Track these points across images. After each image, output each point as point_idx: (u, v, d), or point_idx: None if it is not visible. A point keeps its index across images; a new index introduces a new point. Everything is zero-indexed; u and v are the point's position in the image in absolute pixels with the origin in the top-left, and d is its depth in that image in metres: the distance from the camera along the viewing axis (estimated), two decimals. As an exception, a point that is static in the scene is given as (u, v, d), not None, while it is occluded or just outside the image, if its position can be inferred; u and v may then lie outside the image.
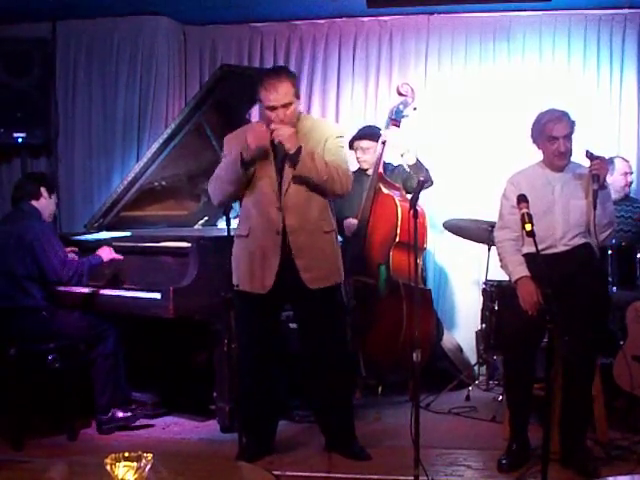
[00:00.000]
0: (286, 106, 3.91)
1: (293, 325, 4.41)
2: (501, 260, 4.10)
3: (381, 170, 5.13)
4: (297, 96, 4.00)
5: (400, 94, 5.12)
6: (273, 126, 3.87)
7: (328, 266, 4.04)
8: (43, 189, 4.64)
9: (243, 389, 4.02)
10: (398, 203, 5.01)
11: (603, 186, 3.92)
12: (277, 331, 4.15)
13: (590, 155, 3.95)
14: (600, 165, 3.90)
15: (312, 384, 4.23)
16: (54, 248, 4.51)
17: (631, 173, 5.37)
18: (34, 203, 4.62)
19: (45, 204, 4.65)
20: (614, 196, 5.03)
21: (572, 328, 3.83)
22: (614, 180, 5.21)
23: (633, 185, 5.49)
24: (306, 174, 3.90)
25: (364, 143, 5.23)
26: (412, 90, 5.12)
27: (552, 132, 4.00)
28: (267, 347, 4.07)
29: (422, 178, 3.71)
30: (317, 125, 4.14)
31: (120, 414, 4.56)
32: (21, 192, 4.66)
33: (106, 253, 4.63)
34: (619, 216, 5.08)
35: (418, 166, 5.12)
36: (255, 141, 3.90)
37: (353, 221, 5.09)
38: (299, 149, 3.87)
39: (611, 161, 5.29)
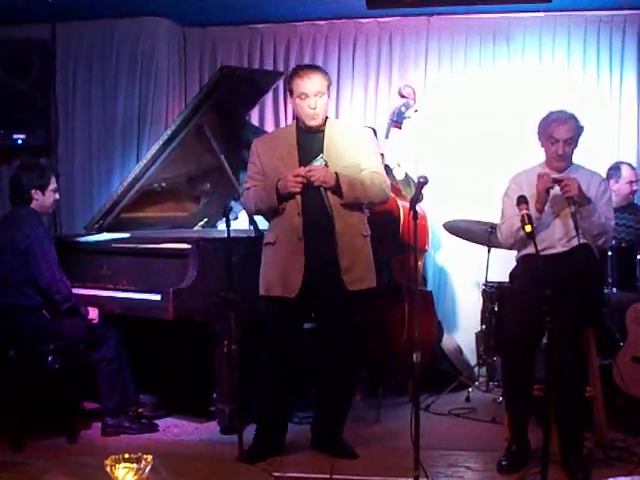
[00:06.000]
0: (318, 95, 3.94)
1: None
2: (509, 234, 4.08)
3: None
4: (328, 93, 4.03)
5: (402, 96, 5.13)
6: (307, 173, 3.88)
7: (365, 268, 4.07)
8: (34, 191, 4.55)
9: (265, 392, 4.10)
10: (400, 204, 5.00)
11: (587, 199, 3.91)
12: (300, 335, 4.17)
13: (553, 180, 3.92)
14: (569, 185, 3.87)
15: (322, 383, 4.24)
16: (48, 261, 4.45)
17: (637, 181, 5.31)
18: (30, 205, 4.60)
19: (40, 203, 4.58)
20: (617, 203, 5.03)
21: (561, 327, 3.82)
22: (619, 188, 5.19)
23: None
24: (352, 202, 3.98)
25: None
26: (414, 92, 5.13)
27: (554, 133, 4.01)
28: (287, 350, 4.08)
29: (422, 179, 3.70)
30: (347, 130, 4.16)
31: (127, 423, 4.57)
32: (15, 197, 4.61)
33: (92, 313, 4.57)
34: (620, 224, 5.06)
35: (406, 182, 5.16)
36: (290, 189, 3.92)
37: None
38: (337, 180, 3.91)
39: (617, 167, 5.28)
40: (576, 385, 3.90)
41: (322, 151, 3.98)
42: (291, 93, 4.02)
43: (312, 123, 4.00)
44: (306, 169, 3.90)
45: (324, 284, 3.99)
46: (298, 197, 3.94)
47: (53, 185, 4.65)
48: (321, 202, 3.95)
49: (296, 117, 4.11)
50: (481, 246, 5.43)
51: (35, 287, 4.48)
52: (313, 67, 4.10)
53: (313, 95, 3.93)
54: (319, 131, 4.03)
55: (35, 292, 4.48)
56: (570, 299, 3.85)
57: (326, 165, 3.92)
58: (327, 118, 4.08)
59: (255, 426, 4.15)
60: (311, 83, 3.93)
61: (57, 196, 4.71)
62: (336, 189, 3.93)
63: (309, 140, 4.03)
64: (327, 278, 3.98)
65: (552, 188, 3.94)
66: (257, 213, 4.28)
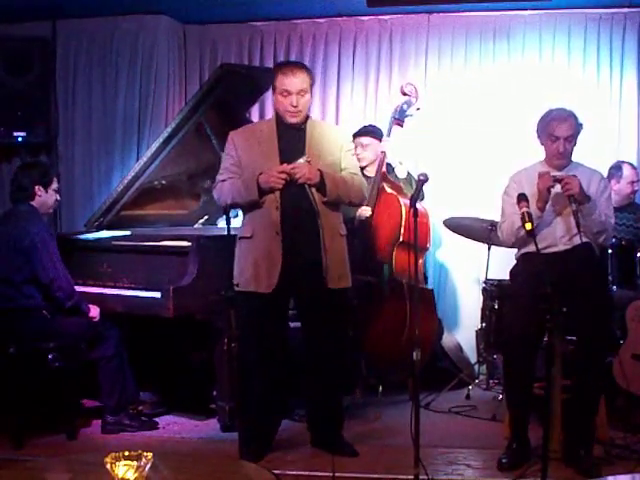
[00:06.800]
0: (300, 93, 3.95)
1: (294, 324, 4.40)
2: (510, 232, 4.08)
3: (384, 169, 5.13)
4: (311, 91, 4.05)
5: (404, 94, 5.12)
6: (291, 170, 3.89)
7: (344, 267, 4.09)
8: (37, 187, 4.55)
9: (246, 389, 4.04)
10: (402, 202, 5.00)
11: (587, 197, 3.91)
12: (282, 330, 4.14)
13: (554, 179, 3.94)
14: (570, 184, 3.87)
15: (309, 381, 4.24)
16: (51, 258, 4.46)
17: (638, 181, 5.29)
18: (31, 202, 4.59)
19: (42, 201, 4.58)
20: (618, 203, 5.03)
21: (574, 328, 3.83)
22: (620, 188, 5.18)
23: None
24: (334, 200, 4.01)
25: (365, 140, 5.23)
26: (416, 90, 5.12)
27: (554, 131, 4.01)
28: (271, 346, 4.06)
29: (422, 177, 3.71)
30: (328, 130, 4.20)
31: (127, 421, 4.57)
32: (17, 194, 4.61)
33: (94, 311, 4.57)
34: (620, 224, 5.06)
35: (408, 180, 5.16)
36: (272, 184, 3.92)
37: (366, 208, 5.06)
38: (321, 177, 3.93)
39: (619, 167, 5.27)
40: (596, 385, 3.92)
41: (303, 148, 3.99)
42: (274, 89, 4.02)
43: (292, 120, 4.00)
44: (290, 166, 3.90)
45: (305, 280, 3.98)
46: (277, 192, 3.95)
47: (55, 185, 4.66)
48: (305, 199, 3.95)
49: (276, 112, 4.11)
50: (481, 244, 5.43)
51: (36, 287, 4.48)
52: (297, 64, 4.10)
53: (296, 93, 3.94)
54: (300, 128, 4.04)
55: (36, 292, 4.48)
56: (584, 300, 3.86)
57: (308, 163, 3.92)
58: (308, 117, 4.10)
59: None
60: (295, 81, 3.93)
61: (58, 197, 4.72)
62: (320, 186, 3.94)
63: (290, 136, 4.03)
64: (308, 274, 3.97)
65: (553, 187, 3.94)
66: (232, 206, 4.21)
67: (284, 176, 3.90)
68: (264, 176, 3.93)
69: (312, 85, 4.05)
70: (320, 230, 3.96)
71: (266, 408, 4.13)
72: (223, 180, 4.10)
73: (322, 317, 4.06)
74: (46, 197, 4.61)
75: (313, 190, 3.95)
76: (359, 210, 5.03)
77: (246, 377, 4.00)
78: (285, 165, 3.92)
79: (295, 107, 3.95)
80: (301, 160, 3.93)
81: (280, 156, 3.99)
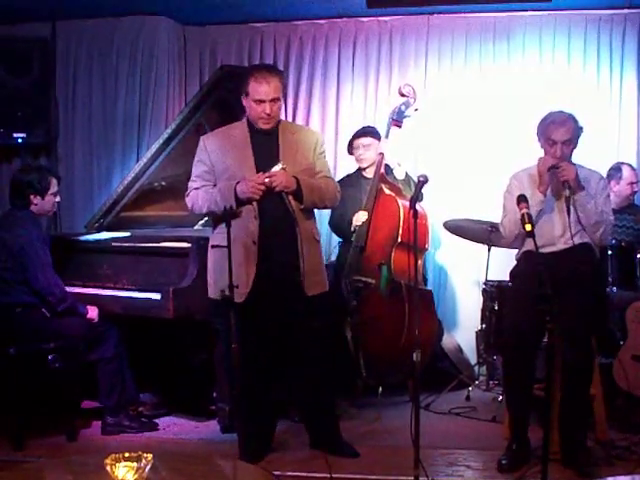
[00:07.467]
0: (274, 101, 3.95)
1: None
2: (513, 226, 4.06)
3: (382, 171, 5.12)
4: (284, 95, 4.07)
5: (402, 95, 5.12)
6: (268, 180, 3.88)
7: (320, 272, 4.11)
8: (32, 196, 4.53)
9: (239, 390, 4.03)
10: (400, 203, 4.99)
11: (580, 187, 3.92)
12: (264, 336, 4.07)
13: (551, 166, 3.95)
14: (566, 170, 3.89)
15: (297, 386, 4.25)
16: (40, 264, 4.44)
17: (637, 182, 5.30)
18: (29, 208, 4.57)
19: (39, 207, 4.57)
20: (618, 204, 5.04)
21: (570, 327, 3.83)
22: (620, 189, 5.19)
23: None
24: (310, 206, 4.03)
25: (366, 140, 5.22)
26: (414, 91, 5.13)
27: (552, 135, 4.01)
28: (252, 352, 4.03)
29: (422, 178, 3.71)
30: (300, 132, 4.20)
31: (126, 422, 4.57)
32: (13, 199, 4.59)
33: (92, 312, 4.56)
34: (620, 225, 5.07)
35: (407, 181, 5.16)
36: (250, 195, 3.90)
37: (363, 212, 5.06)
38: (297, 183, 3.93)
39: (618, 168, 5.27)
40: (584, 385, 3.92)
41: (277, 152, 3.99)
42: (246, 94, 3.99)
43: (265, 127, 4.00)
44: (266, 175, 3.90)
45: (282, 289, 3.97)
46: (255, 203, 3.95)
47: (53, 189, 4.62)
48: (283, 206, 3.95)
49: (247, 116, 4.09)
50: (481, 245, 5.43)
51: (31, 287, 4.48)
52: (271, 70, 4.04)
53: (269, 101, 3.93)
54: (272, 131, 4.04)
55: (32, 291, 4.48)
56: (577, 299, 3.86)
57: (284, 170, 3.92)
58: (279, 119, 4.11)
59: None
60: (268, 89, 3.92)
61: (57, 199, 4.70)
62: (297, 193, 3.95)
63: (263, 141, 4.03)
64: (285, 283, 3.97)
65: (555, 167, 3.94)
66: (208, 215, 4.20)
67: (262, 187, 3.89)
68: (242, 186, 3.91)
69: (284, 89, 4.08)
70: (297, 237, 3.97)
71: (261, 409, 4.12)
72: (197, 188, 4.08)
73: (301, 323, 4.06)
74: (42, 204, 4.59)
75: (290, 197, 3.95)
76: (356, 214, 5.03)
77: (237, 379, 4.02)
78: (262, 175, 3.91)
79: (268, 115, 3.95)
80: (277, 167, 3.92)
81: (255, 162, 3.98)
